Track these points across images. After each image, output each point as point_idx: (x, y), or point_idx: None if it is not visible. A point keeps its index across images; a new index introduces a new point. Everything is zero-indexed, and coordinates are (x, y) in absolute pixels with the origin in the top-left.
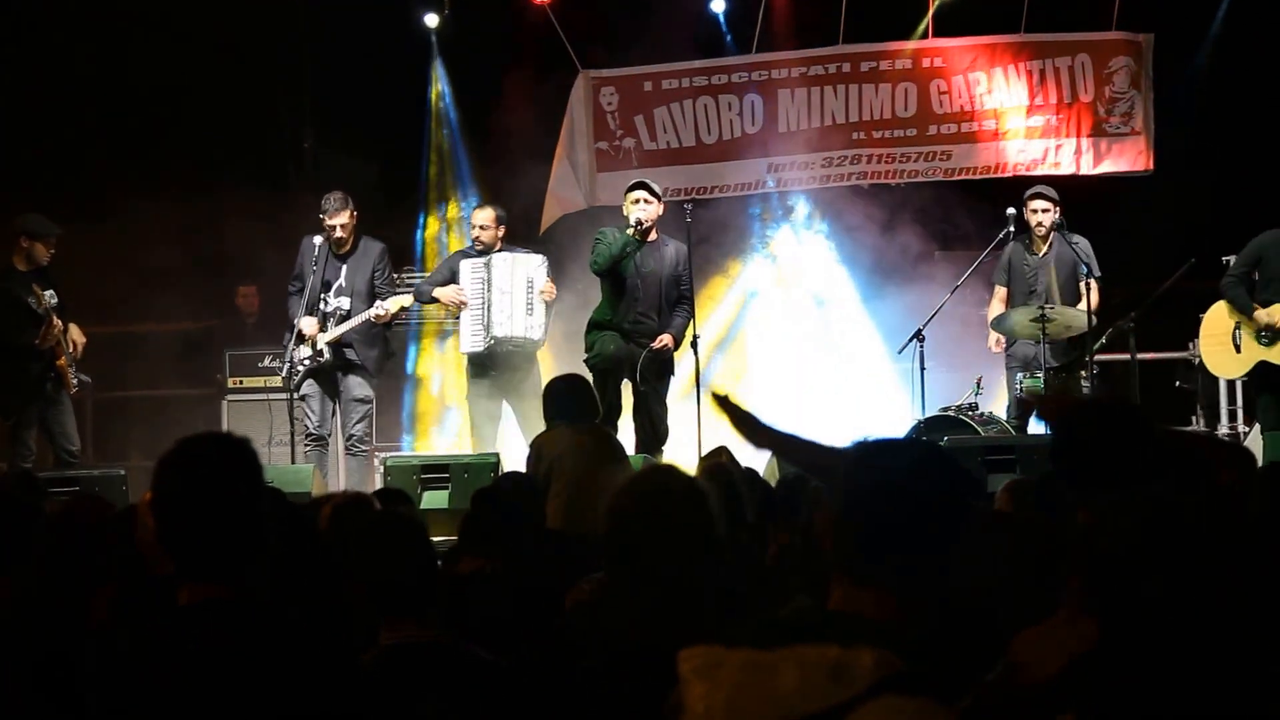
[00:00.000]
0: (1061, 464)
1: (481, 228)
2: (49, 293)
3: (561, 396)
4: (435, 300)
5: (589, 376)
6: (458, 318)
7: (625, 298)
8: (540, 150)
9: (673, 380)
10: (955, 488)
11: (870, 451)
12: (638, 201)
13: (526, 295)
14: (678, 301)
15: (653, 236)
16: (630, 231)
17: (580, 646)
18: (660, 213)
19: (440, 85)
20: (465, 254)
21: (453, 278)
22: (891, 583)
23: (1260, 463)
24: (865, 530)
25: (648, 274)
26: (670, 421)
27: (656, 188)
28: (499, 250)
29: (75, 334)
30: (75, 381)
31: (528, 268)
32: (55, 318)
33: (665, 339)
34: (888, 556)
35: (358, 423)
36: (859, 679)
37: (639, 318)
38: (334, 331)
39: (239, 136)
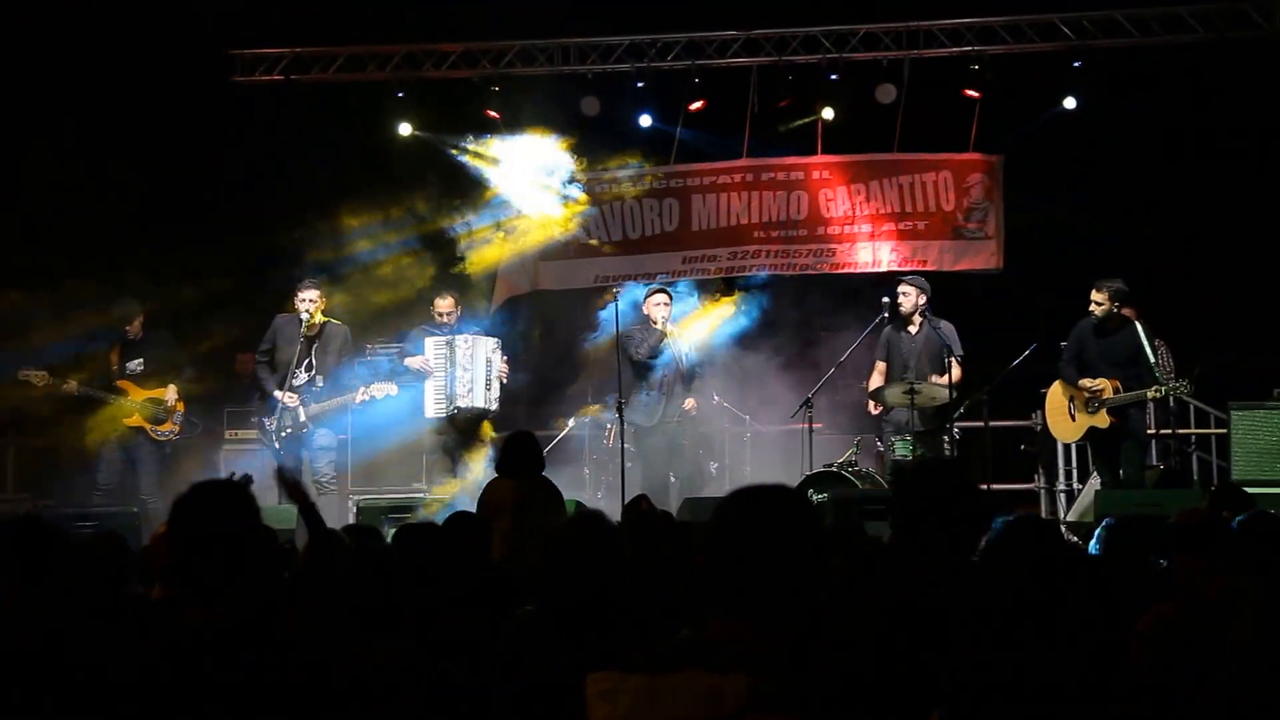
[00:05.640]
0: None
1: (445, 313)
2: (136, 361)
3: (507, 452)
4: (407, 369)
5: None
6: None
7: (653, 377)
8: None
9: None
10: (807, 527)
11: (734, 498)
12: (659, 305)
13: (486, 372)
14: (691, 379)
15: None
16: (660, 329)
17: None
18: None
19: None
20: (428, 331)
21: (416, 350)
22: (757, 615)
23: (1092, 516)
24: (731, 567)
25: (669, 360)
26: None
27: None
28: (456, 328)
29: (167, 393)
30: (160, 433)
31: (485, 349)
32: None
33: (690, 402)
34: (752, 591)
35: (325, 466)
36: (730, 702)
37: (664, 391)
38: (315, 408)
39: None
